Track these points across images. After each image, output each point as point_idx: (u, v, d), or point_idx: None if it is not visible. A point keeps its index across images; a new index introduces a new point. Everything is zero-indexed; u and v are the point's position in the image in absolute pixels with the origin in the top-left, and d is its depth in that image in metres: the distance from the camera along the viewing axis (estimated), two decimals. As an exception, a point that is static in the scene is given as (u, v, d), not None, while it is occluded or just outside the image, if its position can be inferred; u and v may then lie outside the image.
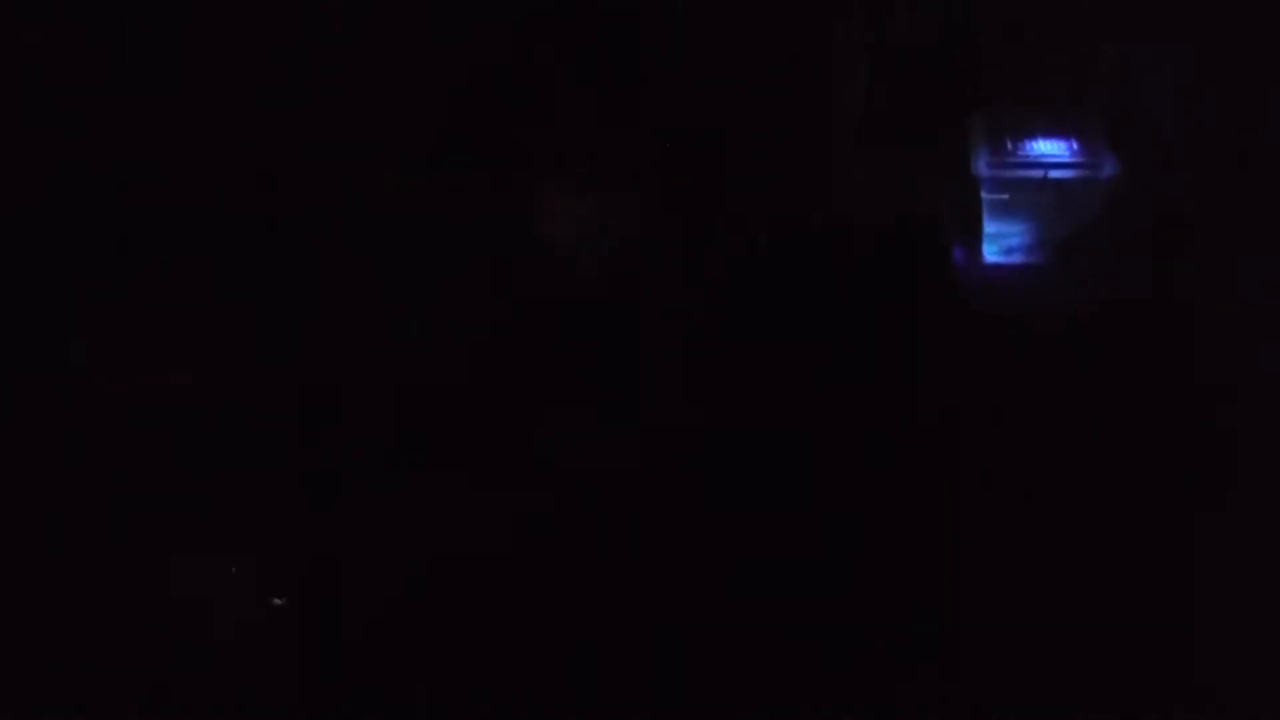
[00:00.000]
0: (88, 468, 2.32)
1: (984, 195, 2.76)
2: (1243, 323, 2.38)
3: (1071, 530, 2.25)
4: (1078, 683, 2.07)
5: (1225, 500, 2.25)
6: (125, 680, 2.13)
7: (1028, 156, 2.76)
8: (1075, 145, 2.76)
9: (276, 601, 2.30)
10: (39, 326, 2.42)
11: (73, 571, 2.25)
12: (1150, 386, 2.45)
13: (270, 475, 2.38)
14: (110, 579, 2.25)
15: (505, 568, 2.29)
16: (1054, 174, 2.74)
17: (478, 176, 2.61)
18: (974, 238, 2.77)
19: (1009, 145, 2.77)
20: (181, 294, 2.48)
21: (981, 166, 2.76)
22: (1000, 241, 2.77)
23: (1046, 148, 2.76)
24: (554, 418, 2.47)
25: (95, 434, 2.35)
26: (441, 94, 2.63)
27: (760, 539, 2.29)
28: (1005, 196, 2.77)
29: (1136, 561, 2.22)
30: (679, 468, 2.40)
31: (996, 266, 2.77)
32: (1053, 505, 2.28)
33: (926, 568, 2.18)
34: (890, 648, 2.11)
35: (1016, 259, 2.81)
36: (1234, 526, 2.21)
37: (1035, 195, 2.74)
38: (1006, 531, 2.24)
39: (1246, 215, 2.51)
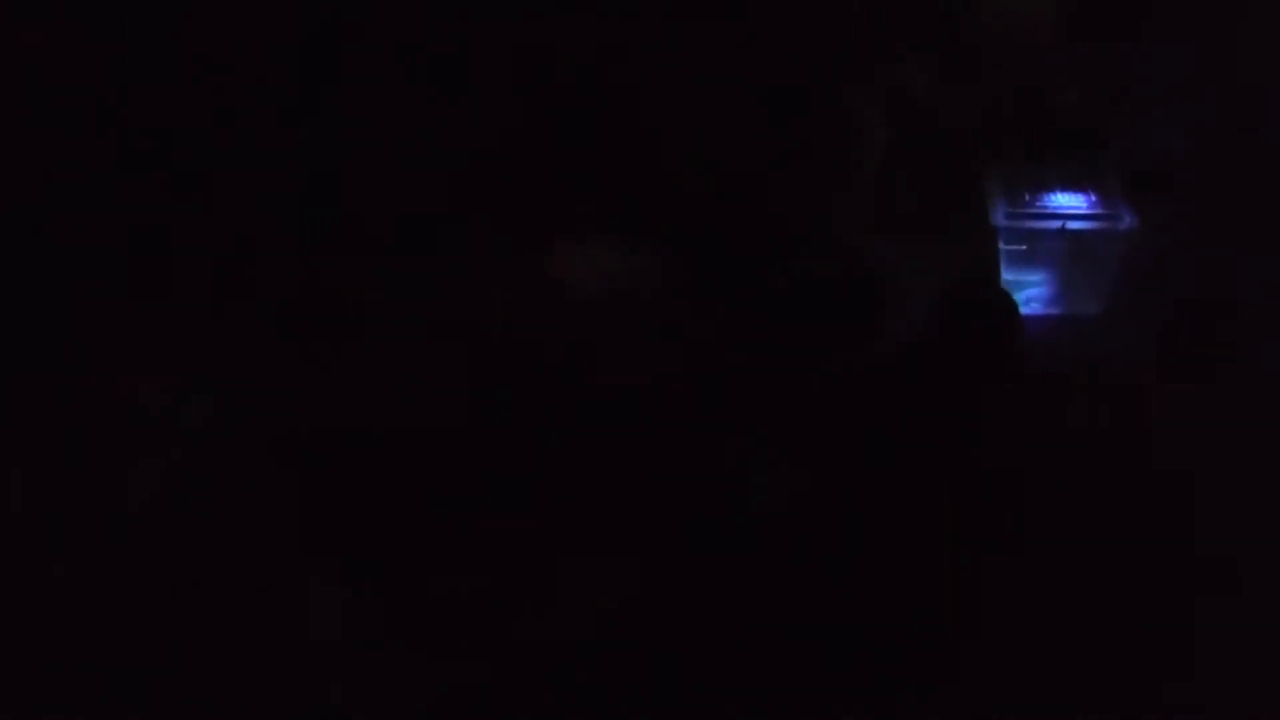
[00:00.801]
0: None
1: (1001, 246, 2.79)
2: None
3: (1070, 534, 2.21)
4: (1078, 683, 2.03)
5: (1225, 501, 2.23)
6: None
7: (1045, 208, 2.78)
8: (1093, 197, 2.79)
9: None
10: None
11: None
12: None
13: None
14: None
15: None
16: (1072, 225, 2.75)
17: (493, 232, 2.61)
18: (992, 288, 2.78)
19: (1026, 197, 2.81)
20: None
21: (999, 218, 2.78)
22: (1018, 292, 2.78)
23: (1064, 199, 2.79)
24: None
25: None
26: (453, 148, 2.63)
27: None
28: (1023, 247, 2.79)
29: (1137, 562, 2.19)
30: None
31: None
32: (1054, 508, 2.24)
33: (925, 570, 2.13)
34: (889, 647, 2.06)
35: (1035, 310, 2.82)
36: (1234, 527, 2.19)
37: (1053, 246, 2.76)
38: (1007, 535, 2.20)
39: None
